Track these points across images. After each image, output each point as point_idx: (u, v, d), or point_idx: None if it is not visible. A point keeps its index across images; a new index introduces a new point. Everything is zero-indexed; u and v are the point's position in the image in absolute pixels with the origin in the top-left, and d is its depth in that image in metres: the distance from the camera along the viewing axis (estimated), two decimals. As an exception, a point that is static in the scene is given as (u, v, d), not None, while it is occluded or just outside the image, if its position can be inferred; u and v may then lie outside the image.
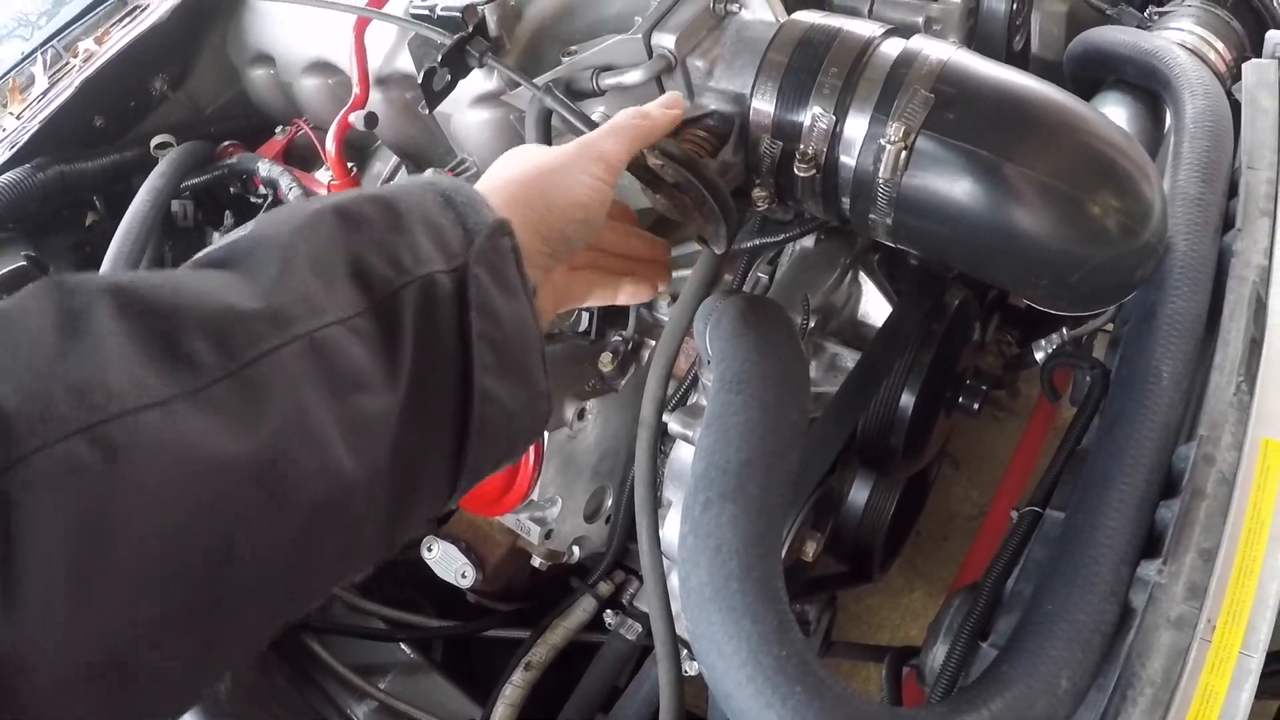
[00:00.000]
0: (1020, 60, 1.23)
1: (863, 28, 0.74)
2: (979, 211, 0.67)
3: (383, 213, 0.48)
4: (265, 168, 1.29)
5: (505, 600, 1.30)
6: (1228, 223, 0.84)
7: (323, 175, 1.26)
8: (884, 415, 0.99)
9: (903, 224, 0.72)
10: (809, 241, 1.01)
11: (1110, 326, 1.00)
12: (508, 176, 0.59)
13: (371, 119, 1.18)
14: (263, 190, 1.31)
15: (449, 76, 0.96)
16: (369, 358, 0.43)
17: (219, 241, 1.32)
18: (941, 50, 0.71)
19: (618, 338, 1.08)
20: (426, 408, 0.46)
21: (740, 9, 0.81)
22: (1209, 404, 0.71)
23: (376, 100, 1.21)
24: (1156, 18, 1.19)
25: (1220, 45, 1.10)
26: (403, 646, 1.32)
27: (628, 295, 0.74)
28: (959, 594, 0.81)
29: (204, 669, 0.39)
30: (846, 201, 0.74)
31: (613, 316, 1.12)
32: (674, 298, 1.02)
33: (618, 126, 0.65)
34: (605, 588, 1.22)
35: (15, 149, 1.30)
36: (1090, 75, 1.16)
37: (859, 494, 1.07)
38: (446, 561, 1.14)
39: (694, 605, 0.61)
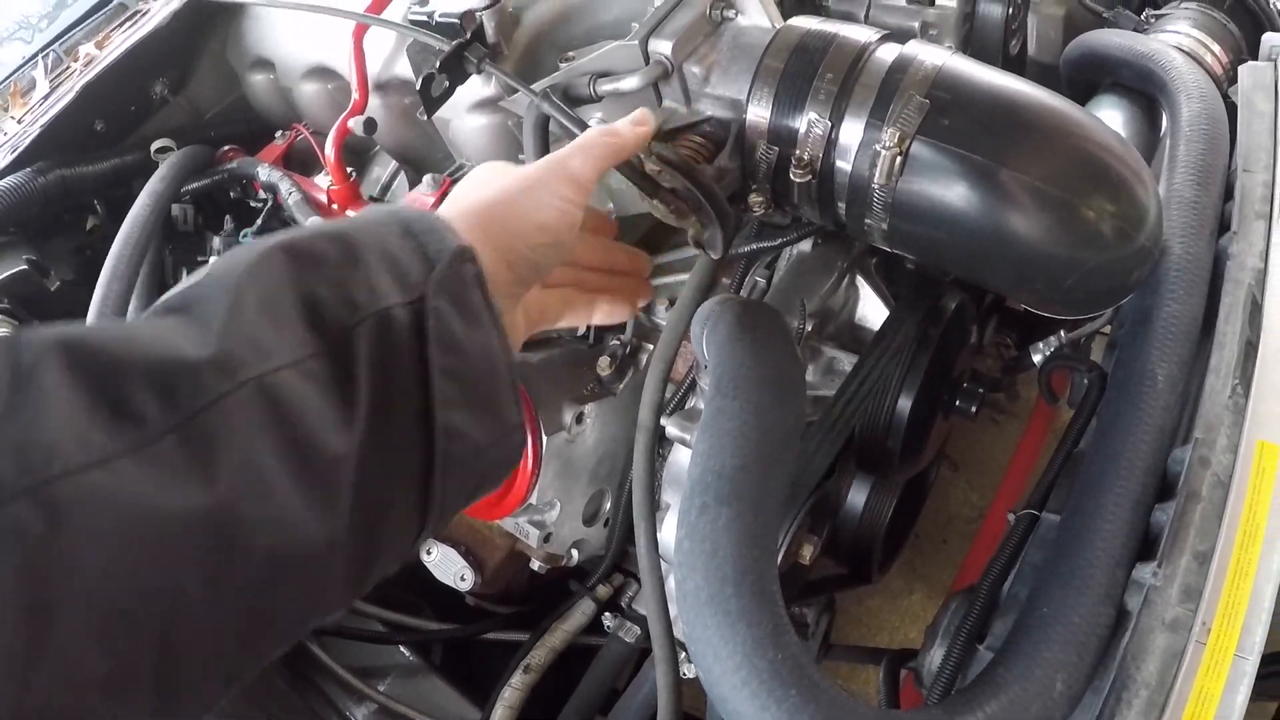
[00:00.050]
0: (1016, 65, 1.23)
1: (858, 33, 0.74)
2: (974, 216, 0.67)
3: (337, 248, 0.46)
4: (265, 172, 1.29)
5: (504, 603, 1.30)
6: (1223, 226, 0.84)
7: (322, 180, 1.26)
8: (881, 418, 0.99)
9: (898, 229, 0.72)
10: (806, 246, 1.01)
11: (1109, 329, 1.00)
12: (471, 199, 0.58)
13: (370, 124, 1.18)
14: (263, 195, 1.31)
15: (447, 82, 0.96)
16: (322, 401, 0.41)
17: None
18: (936, 56, 0.71)
19: (616, 342, 1.09)
20: (386, 449, 0.44)
21: (736, 15, 0.81)
22: (1204, 407, 0.71)
23: (375, 105, 1.21)
24: (1153, 21, 1.19)
25: (1216, 48, 1.10)
26: (402, 649, 1.33)
27: (603, 315, 0.72)
28: (956, 597, 0.81)
29: (165, 717, 0.38)
30: (842, 206, 0.74)
31: (611, 320, 1.13)
32: (672, 302, 1.02)
33: (587, 144, 0.62)
34: (604, 591, 1.22)
35: (16, 153, 1.30)
36: (1086, 78, 1.17)
37: (857, 496, 1.07)
38: (446, 564, 1.14)
39: (690, 609, 0.62)
